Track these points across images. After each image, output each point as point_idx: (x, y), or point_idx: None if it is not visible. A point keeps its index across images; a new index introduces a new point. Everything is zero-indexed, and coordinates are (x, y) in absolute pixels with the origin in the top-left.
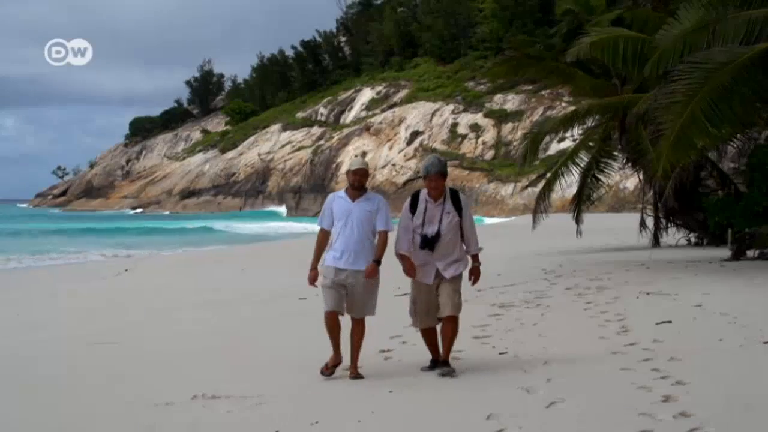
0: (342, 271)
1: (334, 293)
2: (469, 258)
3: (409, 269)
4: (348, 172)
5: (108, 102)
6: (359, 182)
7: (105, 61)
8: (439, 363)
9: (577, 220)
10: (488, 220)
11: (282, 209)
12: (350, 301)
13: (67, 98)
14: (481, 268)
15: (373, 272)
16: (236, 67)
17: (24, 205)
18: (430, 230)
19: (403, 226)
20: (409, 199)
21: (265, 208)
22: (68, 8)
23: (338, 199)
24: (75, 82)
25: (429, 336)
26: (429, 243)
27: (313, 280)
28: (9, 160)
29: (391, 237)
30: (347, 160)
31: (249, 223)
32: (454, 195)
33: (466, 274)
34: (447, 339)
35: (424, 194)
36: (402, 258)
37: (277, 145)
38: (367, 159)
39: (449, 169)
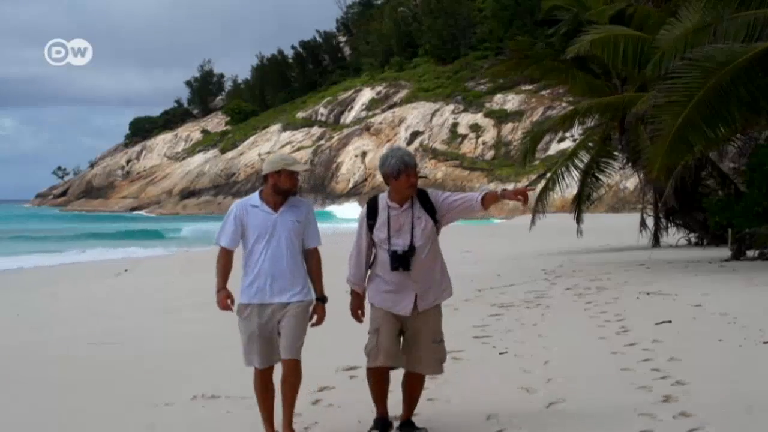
0: (267, 307)
1: (263, 344)
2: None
3: (356, 309)
4: (279, 174)
5: (106, 102)
6: (294, 186)
7: (103, 61)
8: (401, 425)
9: (578, 220)
10: (497, 221)
11: (334, 209)
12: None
13: (65, 99)
14: (480, 270)
15: (323, 316)
16: (236, 67)
17: (28, 205)
18: (401, 243)
19: (356, 247)
20: (364, 209)
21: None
22: (67, 9)
23: (252, 209)
24: (73, 83)
25: (380, 379)
26: (402, 260)
27: (226, 299)
28: (7, 160)
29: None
30: (347, 160)
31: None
32: (423, 196)
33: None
34: (414, 395)
35: (384, 200)
36: (352, 292)
37: (277, 145)
38: (367, 159)
39: (450, 169)
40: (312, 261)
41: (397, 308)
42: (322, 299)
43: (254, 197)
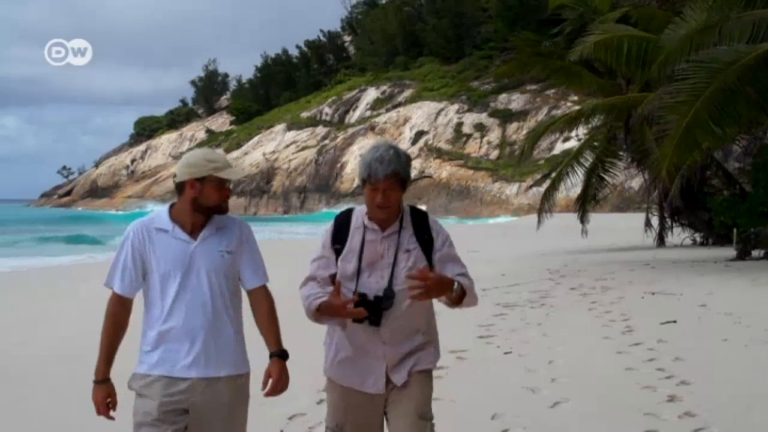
0: (178, 383)
1: None
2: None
3: (339, 308)
4: (202, 183)
5: (107, 102)
6: (224, 201)
7: (103, 61)
8: None
9: (582, 220)
10: (491, 220)
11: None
12: None
13: (66, 98)
14: (485, 269)
15: (283, 381)
16: (240, 67)
17: (48, 206)
18: (375, 285)
19: (315, 275)
20: (331, 225)
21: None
22: (67, 9)
23: (159, 234)
24: (74, 83)
25: None
26: (372, 310)
27: (104, 400)
28: (9, 159)
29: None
30: (352, 159)
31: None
32: (420, 218)
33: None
34: None
35: (360, 216)
36: (319, 312)
37: (281, 144)
38: None
39: (454, 169)
40: (260, 308)
41: (364, 385)
42: (280, 354)
43: (161, 217)
